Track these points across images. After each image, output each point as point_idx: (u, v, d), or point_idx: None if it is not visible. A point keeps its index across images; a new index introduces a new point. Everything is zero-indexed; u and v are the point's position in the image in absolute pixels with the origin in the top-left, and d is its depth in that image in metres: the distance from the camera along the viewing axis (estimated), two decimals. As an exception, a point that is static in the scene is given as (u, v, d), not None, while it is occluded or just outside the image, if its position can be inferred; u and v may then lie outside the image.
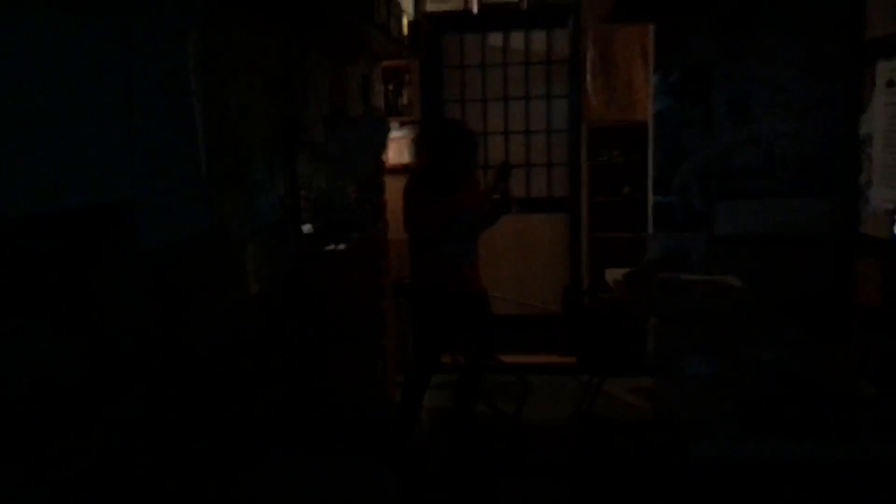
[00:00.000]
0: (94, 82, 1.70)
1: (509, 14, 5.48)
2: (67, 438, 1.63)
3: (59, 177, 1.58)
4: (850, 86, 4.33)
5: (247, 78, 2.70)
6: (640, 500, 3.48)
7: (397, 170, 5.04)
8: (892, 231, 3.72)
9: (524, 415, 4.48)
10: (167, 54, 2.05)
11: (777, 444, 2.27)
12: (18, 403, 1.52)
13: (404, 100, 5.44)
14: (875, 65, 4.03)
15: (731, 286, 4.06)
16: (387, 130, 4.61)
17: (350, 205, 4.12)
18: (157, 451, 1.96)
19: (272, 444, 2.69)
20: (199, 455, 2.13)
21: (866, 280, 4.18)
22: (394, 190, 4.42)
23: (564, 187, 5.67)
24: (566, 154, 5.64)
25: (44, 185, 1.54)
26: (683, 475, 2.50)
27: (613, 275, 4.38)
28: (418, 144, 5.30)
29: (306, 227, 3.56)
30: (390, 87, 5.39)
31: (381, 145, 4.55)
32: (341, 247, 3.63)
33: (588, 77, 5.27)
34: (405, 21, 4.61)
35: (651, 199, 4.74)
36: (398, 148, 5.26)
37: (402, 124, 5.39)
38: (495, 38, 5.68)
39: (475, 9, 5.39)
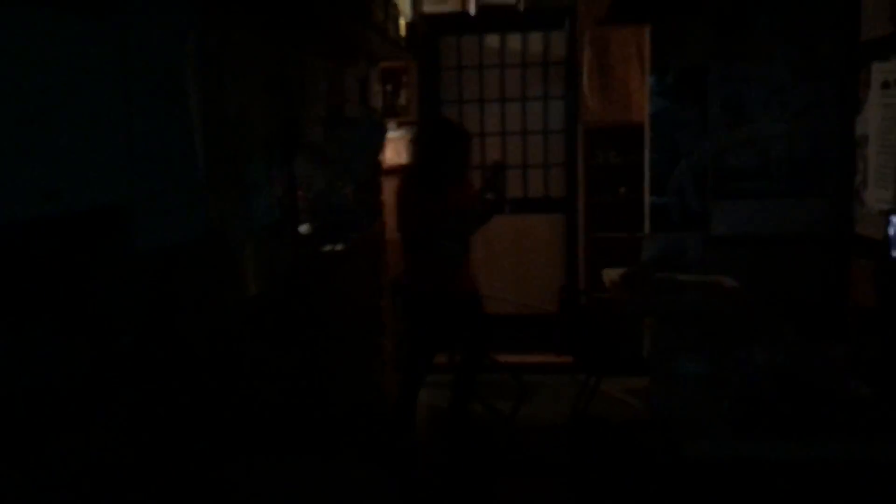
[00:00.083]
0: (91, 85, 1.71)
1: (506, 15, 5.49)
2: (64, 439, 1.64)
3: (56, 180, 1.58)
4: (845, 87, 4.35)
5: (244, 80, 2.71)
6: (635, 500, 3.50)
7: (395, 170, 5.04)
8: (887, 232, 3.73)
9: (521, 414, 4.49)
10: (164, 56, 2.05)
11: (771, 445, 2.28)
12: (16, 404, 1.53)
13: (402, 100, 5.45)
14: (870, 66, 4.04)
15: (726, 286, 4.07)
16: (384, 131, 4.62)
17: (348, 205, 4.13)
18: (153, 454, 1.97)
19: (269, 445, 2.70)
20: (194, 457, 2.14)
21: (861, 280, 4.19)
22: (391, 190, 4.42)
23: (561, 188, 5.69)
24: (563, 155, 5.66)
25: (40, 189, 1.54)
26: (678, 475, 2.51)
27: (610, 275, 4.39)
28: (415, 145, 5.31)
29: (304, 228, 3.57)
30: (388, 88, 5.40)
31: (379, 146, 4.56)
32: (339, 247, 3.64)
33: (584, 78, 5.29)
34: (402, 22, 4.63)
35: (647, 199, 4.75)
36: (396, 148, 5.27)
37: (400, 125, 5.40)
38: (492, 40, 5.70)
39: (472, 10, 5.41)
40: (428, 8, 5.44)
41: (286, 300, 3.10)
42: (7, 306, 1.52)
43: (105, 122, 1.76)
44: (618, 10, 4.31)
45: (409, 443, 4.01)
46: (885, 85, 3.90)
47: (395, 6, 4.40)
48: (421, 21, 5.42)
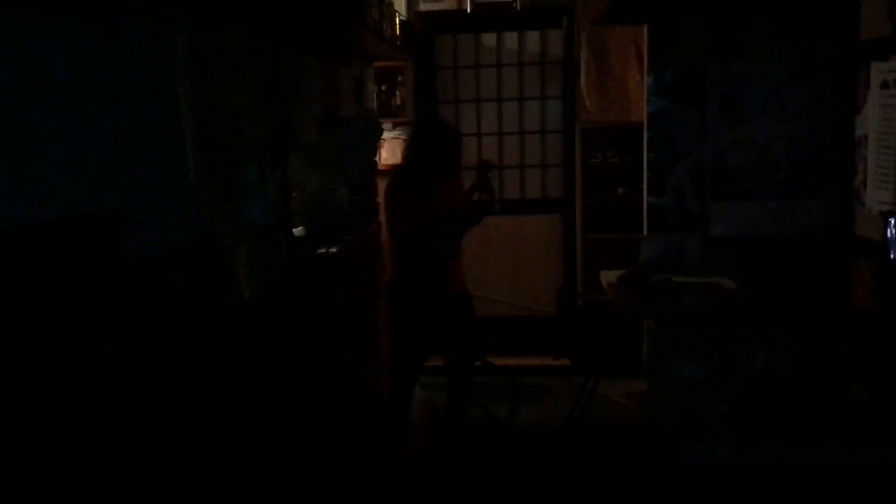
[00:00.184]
0: (80, 90, 1.68)
1: (503, 14, 5.47)
2: (52, 447, 1.61)
3: (45, 187, 1.56)
4: (845, 87, 4.32)
5: (237, 81, 2.68)
6: None
7: (390, 171, 5.02)
8: (887, 233, 3.71)
9: (517, 418, 4.46)
10: (155, 60, 2.03)
11: (770, 449, 2.26)
12: (5, 412, 1.51)
13: (397, 100, 5.43)
14: (869, 66, 4.02)
15: (725, 288, 4.05)
16: (380, 131, 4.59)
17: (343, 207, 4.10)
18: (145, 459, 1.94)
19: (263, 449, 2.67)
20: (187, 462, 2.11)
21: (861, 282, 4.17)
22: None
23: (559, 188, 5.66)
24: (560, 155, 5.63)
25: (28, 196, 1.52)
26: (676, 480, 2.49)
27: (607, 277, 4.36)
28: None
29: (298, 230, 3.55)
30: (383, 88, 5.38)
31: (374, 146, 4.53)
32: (334, 249, 3.61)
33: (582, 78, 5.26)
34: (398, 21, 4.60)
35: (645, 200, 4.73)
36: (391, 149, 5.24)
37: (396, 125, 5.37)
38: (489, 39, 5.66)
39: (469, 8, 5.38)
40: (423, 6, 5.41)
41: (280, 303, 3.07)
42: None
43: (95, 126, 1.74)
44: (616, 10, 4.28)
45: (403, 448, 3.98)
46: (885, 85, 3.88)
47: (389, 5, 4.37)
48: (416, 19, 5.39)
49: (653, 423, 4.21)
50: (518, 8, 5.38)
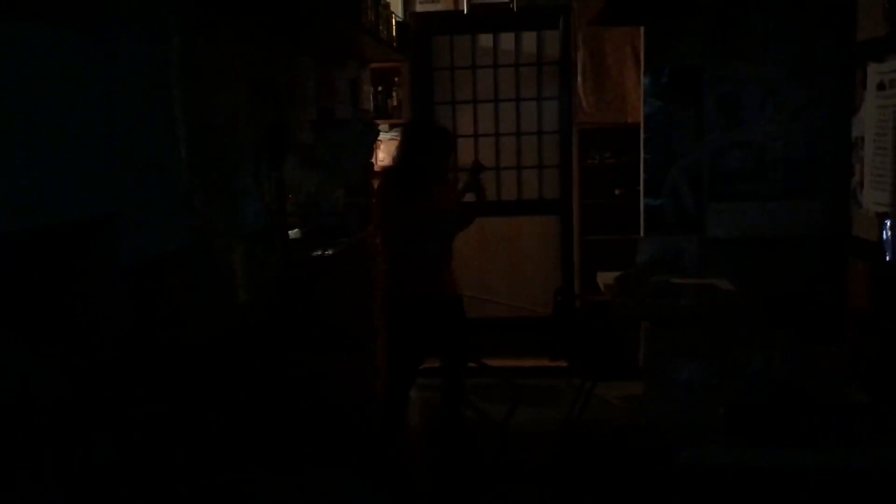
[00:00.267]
0: (73, 96, 1.68)
1: (499, 15, 5.46)
2: (48, 452, 1.60)
3: (37, 193, 1.55)
4: (841, 88, 4.32)
5: (232, 84, 2.67)
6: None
7: (381, 172, 5.01)
8: (882, 235, 3.71)
9: (514, 420, 4.45)
10: (148, 65, 2.02)
11: (767, 452, 2.25)
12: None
13: (394, 102, 5.41)
14: (866, 67, 4.02)
15: (722, 289, 4.04)
16: (376, 133, 4.58)
17: (339, 209, 4.09)
18: (138, 464, 1.93)
19: (258, 453, 2.66)
20: (178, 469, 2.10)
21: (858, 282, 4.17)
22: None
23: (555, 189, 5.65)
24: (557, 156, 5.62)
25: (21, 202, 1.51)
26: (672, 482, 2.48)
27: (604, 278, 4.36)
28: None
29: (294, 233, 3.54)
30: (380, 89, 5.37)
31: (371, 148, 4.52)
32: (330, 251, 3.60)
33: (579, 79, 5.25)
34: (394, 22, 4.59)
35: (642, 201, 4.72)
36: (388, 150, 5.23)
37: (392, 126, 5.35)
38: (485, 40, 5.66)
39: (465, 9, 5.37)
40: (419, 7, 5.40)
41: (276, 306, 3.06)
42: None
43: (87, 133, 1.73)
44: (612, 11, 4.28)
45: (396, 453, 3.96)
46: (881, 86, 3.87)
47: (385, 6, 4.37)
48: (413, 21, 5.38)
49: (649, 425, 4.21)
50: (515, 9, 5.38)
